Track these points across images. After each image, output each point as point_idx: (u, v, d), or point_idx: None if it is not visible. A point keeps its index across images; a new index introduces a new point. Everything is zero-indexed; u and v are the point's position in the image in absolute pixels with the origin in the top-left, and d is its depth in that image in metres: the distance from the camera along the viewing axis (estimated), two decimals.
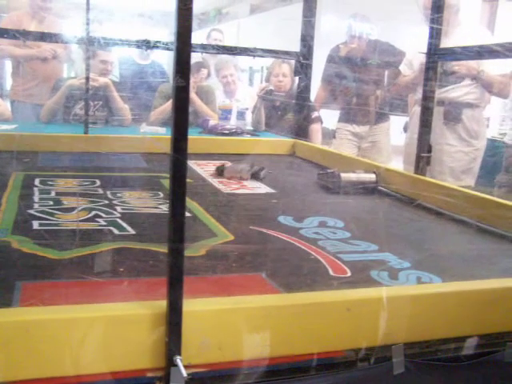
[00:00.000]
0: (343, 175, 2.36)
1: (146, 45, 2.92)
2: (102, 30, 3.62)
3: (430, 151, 2.53)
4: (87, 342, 0.88)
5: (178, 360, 0.87)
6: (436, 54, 2.42)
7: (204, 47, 3.35)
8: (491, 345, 1.13)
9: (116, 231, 1.63)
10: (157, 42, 2.94)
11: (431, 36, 2.40)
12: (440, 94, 3.64)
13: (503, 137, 5.23)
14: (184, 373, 0.86)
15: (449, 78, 3.58)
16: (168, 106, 3.96)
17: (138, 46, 2.99)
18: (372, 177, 2.40)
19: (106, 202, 1.95)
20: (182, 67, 0.77)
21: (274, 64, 4.36)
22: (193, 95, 4.11)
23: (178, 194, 0.82)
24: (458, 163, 3.73)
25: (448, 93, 3.65)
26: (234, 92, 4.76)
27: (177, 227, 0.83)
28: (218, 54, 3.72)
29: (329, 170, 2.45)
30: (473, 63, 3.56)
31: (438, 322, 1.10)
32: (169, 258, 0.86)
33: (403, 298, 1.09)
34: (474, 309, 1.12)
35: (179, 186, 0.82)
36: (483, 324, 1.12)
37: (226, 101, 4.67)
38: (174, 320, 0.87)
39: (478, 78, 3.54)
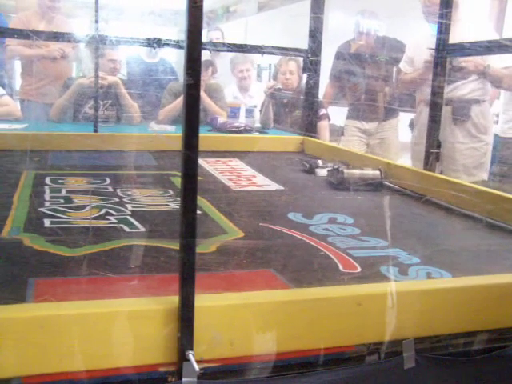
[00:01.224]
0: (346, 171, 2.36)
1: (155, 43, 2.93)
2: (110, 29, 3.63)
3: (439, 147, 2.53)
4: (100, 338, 0.89)
5: (191, 355, 0.88)
6: (445, 50, 2.41)
7: (214, 45, 3.36)
8: (501, 340, 1.13)
9: (127, 228, 1.64)
10: (166, 40, 2.95)
11: (440, 32, 2.40)
12: (447, 93, 3.64)
13: None
14: (196, 367, 0.87)
15: (456, 74, 3.57)
16: (177, 104, 3.97)
17: (148, 45, 3.00)
18: (376, 173, 2.39)
19: (117, 199, 1.96)
20: (193, 65, 0.78)
21: (281, 62, 4.37)
22: (201, 93, 4.12)
23: (189, 191, 0.83)
24: (470, 159, 3.74)
25: (455, 91, 3.64)
26: (247, 88, 4.77)
27: (188, 223, 0.84)
28: (227, 51, 3.72)
29: (335, 166, 2.44)
30: (479, 59, 3.55)
31: (449, 317, 1.10)
32: (181, 254, 0.86)
33: (413, 292, 1.09)
34: (483, 304, 1.12)
35: (190, 182, 0.82)
36: (493, 319, 1.13)
37: (239, 96, 4.69)
38: (186, 315, 0.87)
39: (485, 73, 3.53)
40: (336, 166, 2.42)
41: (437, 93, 2.49)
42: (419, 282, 1.26)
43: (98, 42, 2.90)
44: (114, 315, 0.89)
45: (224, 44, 3.41)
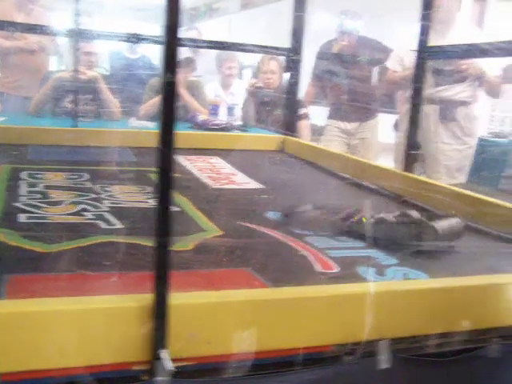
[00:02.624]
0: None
1: (135, 38, 2.90)
2: (91, 23, 3.60)
3: (418, 148, 2.55)
4: (72, 335, 0.88)
5: (164, 353, 0.87)
6: (426, 52, 2.43)
7: (194, 42, 3.34)
8: (476, 341, 1.14)
9: (103, 225, 1.62)
10: (145, 35, 2.92)
11: (422, 33, 2.41)
12: (435, 92, 3.68)
13: (492, 136, 5.28)
14: (169, 366, 0.86)
15: (454, 77, 3.60)
16: (157, 100, 3.94)
17: (127, 40, 2.97)
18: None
19: (94, 195, 1.94)
20: (170, 61, 0.77)
21: (262, 61, 4.37)
22: (182, 90, 4.11)
23: (164, 188, 0.82)
24: (452, 161, 3.77)
25: (442, 92, 3.68)
26: (230, 85, 4.77)
27: (163, 221, 0.83)
28: (208, 48, 3.72)
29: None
30: (478, 64, 3.59)
31: (425, 318, 1.11)
32: (155, 251, 0.86)
33: (390, 293, 1.09)
34: (459, 305, 1.13)
35: (166, 179, 0.82)
36: (468, 320, 1.13)
37: (221, 94, 4.68)
38: (160, 313, 0.87)
39: (480, 79, 3.58)
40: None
41: (417, 94, 2.50)
42: (396, 283, 1.26)
43: (77, 36, 2.87)
44: (87, 312, 0.88)
45: (205, 41, 3.39)
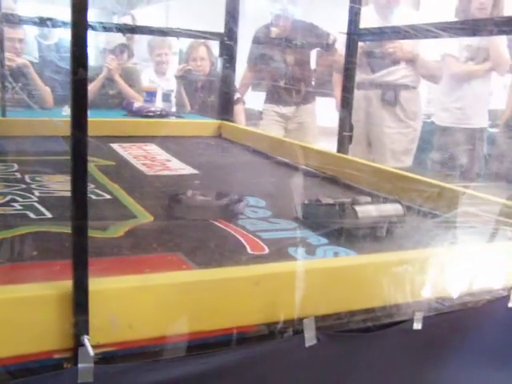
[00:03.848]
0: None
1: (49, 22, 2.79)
2: (17, 8, 3.49)
3: (351, 130, 2.59)
4: None
5: (86, 339, 0.86)
6: (356, 34, 2.46)
7: (127, 28, 3.29)
8: (399, 315, 1.17)
9: (33, 215, 1.59)
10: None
11: (350, 16, 2.44)
12: (377, 77, 3.73)
13: (428, 117, 5.39)
14: (91, 352, 0.85)
15: (385, 61, 3.65)
16: (92, 87, 3.89)
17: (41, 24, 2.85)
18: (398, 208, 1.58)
19: (24, 186, 1.90)
20: (78, 43, 0.75)
21: (190, 47, 4.35)
22: (117, 77, 4.05)
23: (78, 172, 0.81)
24: (398, 144, 3.84)
25: (385, 76, 3.73)
26: (165, 72, 4.72)
27: (79, 205, 0.82)
28: (141, 34, 3.67)
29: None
30: (408, 46, 3.65)
31: (348, 295, 1.13)
32: (73, 237, 0.84)
33: (313, 271, 1.11)
34: (383, 280, 1.15)
35: (80, 163, 0.80)
36: (392, 294, 1.16)
37: (156, 80, 4.63)
38: (79, 299, 0.86)
39: (413, 61, 3.63)
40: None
41: (348, 77, 2.53)
42: (319, 261, 1.29)
43: (1, 21, 2.77)
44: (5, 301, 0.86)
45: (135, 27, 3.34)
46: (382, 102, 3.80)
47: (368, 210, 1.51)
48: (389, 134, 3.81)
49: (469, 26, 1.90)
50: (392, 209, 1.56)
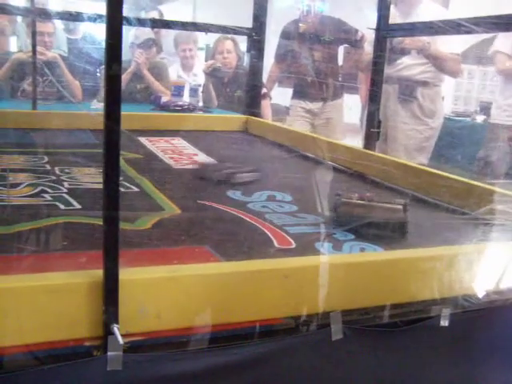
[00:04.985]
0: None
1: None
2: (49, 3, 3.52)
3: (379, 127, 2.57)
4: (24, 312, 0.88)
5: (115, 328, 0.88)
6: (385, 30, 2.44)
7: (155, 22, 3.30)
8: (425, 311, 1.16)
9: (62, 206, 1.61)
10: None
11: (380, 12, 2.43)
12: (395, 71, 3.69)
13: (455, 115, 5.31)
14: (120, 340, 0.87)
15: (395, 53, 3.60)
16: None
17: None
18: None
19: (54, 177, 1.93)
20: (113, 37, 0.76)
21: (217, 41, 4.35)
22: (145, 72, 4.07)
23: (111, 163, 0.82)
24: (411, 141, 3.78)
25: (403, 70, 3.68)
26: (191, 67, 4.73)
27: (111, 195, 0.83)
28: (167, 28, 3.67)
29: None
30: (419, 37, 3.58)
31: (376, 290, 1.13)
32: (104, 227, 0.86)
33: (341, 265, 1.11)
34: (410, 276, 1.15)
35: (112, 154, 0.82)
36: (419, 291, 1.16)
37: (183, 75, 4.65)
38: (110, 288, 0.87)
39: (423, 50, 3.56)
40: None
41: (377, 73, 2.51)
42: (347, 256, 1.28)
43: (34, 15, 2.80)
44: (38, 289, 0.88)
45: (164, 21, 3.35)
46: (398, 97, 3.75)
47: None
48: (404, 129, 3.76)
49: (504, 21, 1.87)
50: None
